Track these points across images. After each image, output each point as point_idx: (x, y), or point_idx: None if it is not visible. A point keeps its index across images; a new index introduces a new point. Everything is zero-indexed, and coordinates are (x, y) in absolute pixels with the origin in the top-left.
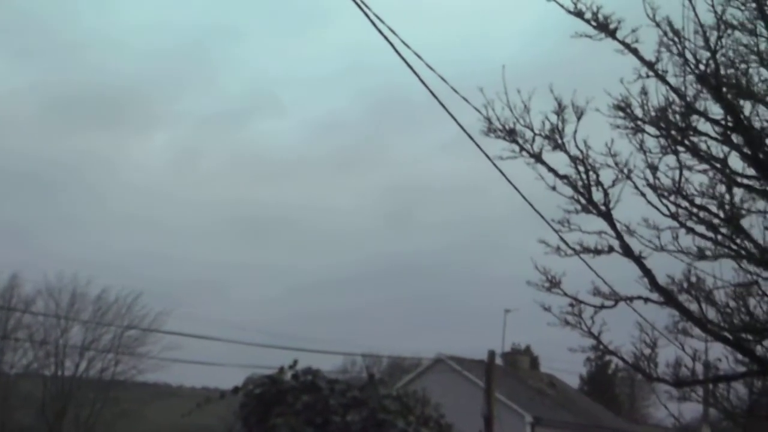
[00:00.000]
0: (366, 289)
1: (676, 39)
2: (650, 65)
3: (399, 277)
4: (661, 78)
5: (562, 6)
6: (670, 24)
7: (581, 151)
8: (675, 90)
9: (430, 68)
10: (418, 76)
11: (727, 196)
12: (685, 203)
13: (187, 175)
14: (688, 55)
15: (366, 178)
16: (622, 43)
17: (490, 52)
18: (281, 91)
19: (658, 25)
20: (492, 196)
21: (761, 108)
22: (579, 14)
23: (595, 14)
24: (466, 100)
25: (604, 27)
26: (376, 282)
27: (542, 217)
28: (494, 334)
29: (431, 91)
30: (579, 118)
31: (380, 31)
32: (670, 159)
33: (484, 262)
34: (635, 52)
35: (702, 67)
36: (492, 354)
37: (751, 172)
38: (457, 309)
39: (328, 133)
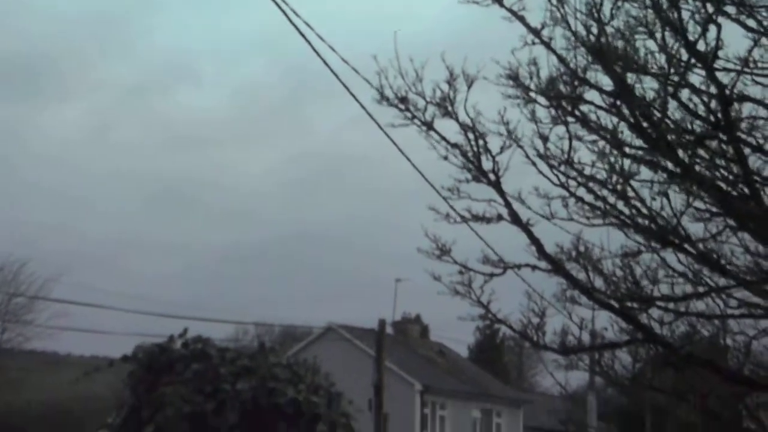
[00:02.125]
0: (265, 260)
1: (563, 9)
2: (536, 32)
3: (298, 248)
4: (548, 45)
5: None
6: None
7: (471, 119)
8: (562, 60)
9: (321, 39)
10: (311, 45)
11: (616, 167)
12: (574, 173)
13: (100, 147)
14: (579, 27)
15: (278, 149)
16: (509, 9)
17: (392, 24)
18: (198, 63)
19: None
20: (397, 169)
21: (647, 79)
22: None
23: None
24: (356, 71)
25: None
26: (275, 252)
27: (429, 183)
28: (387, 304)
29: (325, 62)
30: (469, 87)
31: (275, 2)
32: (561, 129)
33: (384, 232)
34: (522, 19)
35: (592, 38)
36: (382, 323)
37: (639, 142)
38: (352, 279)
39: (243, 105)
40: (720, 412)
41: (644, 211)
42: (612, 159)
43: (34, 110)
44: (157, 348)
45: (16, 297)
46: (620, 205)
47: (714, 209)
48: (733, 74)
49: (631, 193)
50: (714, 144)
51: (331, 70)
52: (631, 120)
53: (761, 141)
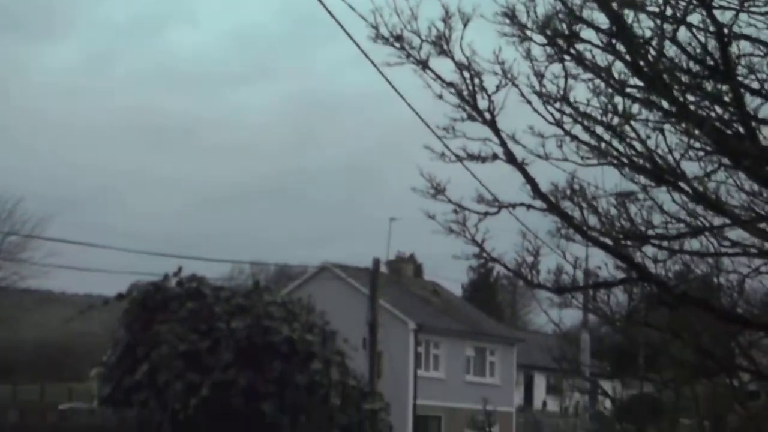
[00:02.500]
0: (260, 199)
1: None
2: None
3: (295, 186)
4: None
5: None
6: None
7: (467, 57)
8: None
9: None
10: None
11: (611, 105)
12: (570, 110)
13: (97, 81)
14: None
15: (276, 88)
16: None
17: None
18: (196, 2)
19: None
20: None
21: (643, 17)
22: None
23: None
24: (351, 8)
25: None
26: (270, 191)
27: (424, 122)
28: (381, 243)
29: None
30: (465, 25)
31: None
32: (556, 67)
33: (380, 172)
34: None
35: None
36: (376, 262)
37: (635, 81)
38: (347, 218)
39: (241, 46)
40: (713, 349)
41: (640, 149)
42: (607, 98)
43: (34, 46)
44: (152, 286)
45: (11, 235)
46: (616, 143)
47: (709, 148)
48: (731, 13)
49: (627, 132)
50: (711, 85)
51: (326, 8)
52: (628, 59)
53: (759, 83)
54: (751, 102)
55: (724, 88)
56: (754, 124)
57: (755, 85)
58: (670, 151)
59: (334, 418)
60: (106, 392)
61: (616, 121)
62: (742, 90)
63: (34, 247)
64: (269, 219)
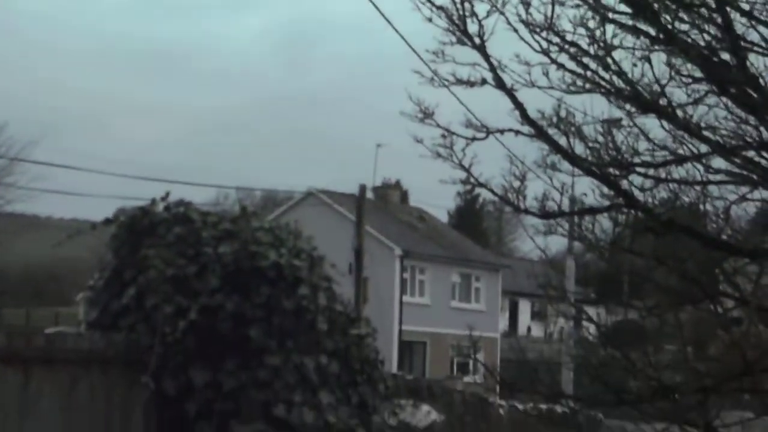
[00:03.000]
0: (248, 124)
1: None
2: None
3: (282, 112)
4: None
5: None
6: None
7: None
8: None
9: None
10: None
11: (599, 32)
12: (556, 39)
13: (86, 5)
14: None
15: (266, 15)
16: None
17: None
18: None
19: None
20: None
21: None
22: None
23: None
24: None
25: None
26: (258, 116)
27: (412, 48)
28: (368, 169)
29: None
30: None
31: None
32: None
33: (368, 99)
34: None
35: None
36: (362, 188)
37: (623, 8)
38: (335, 144)
39: None
40: (697, 276)
41: (626, 77)
42: (595, 25)
43: None
44: (139, 211)
45: None
46: (602, 71)
47: (696, 75)
48: None
49: (612, 61)
50: (701, 10)
51: None
52: None
53: (749, 4)
54: (741, 29)
55: (714, 13)
56: (743, 51)
57: (745, 6)
58: (657, 81)
59: (321, 343)
60: (93, 316)
61: (602, 51)
62: (730, 10)
63: (20, 171)
64: (256, 147)
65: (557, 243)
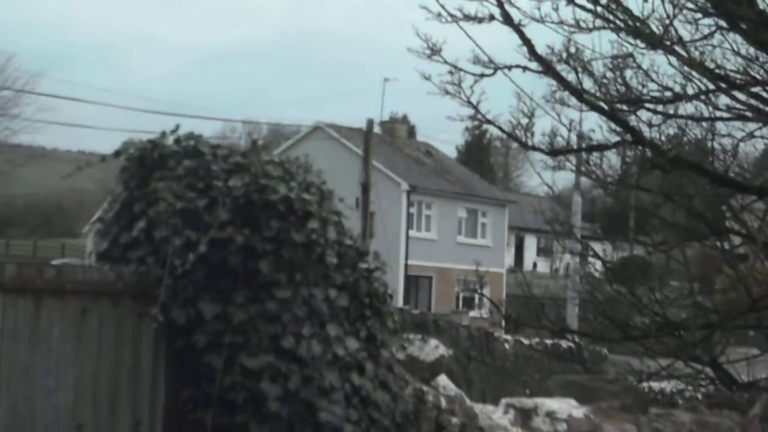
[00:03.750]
0: (258, 62)
1: None
2: None
3: (291, 46)
4: None
5: None
6: None
7: None
8: None
9: None
10: None
11: None
12: None
13: None
14: None
15: None
16: None
17: None
18: None
19: None
20: None
21: None
22: None
23: None
24: None
25: None
26: (269, 54)
27: None
28: (375, 104)
29: None
30: None
31: None
32: None
33: (379, 36)
34: None
35: None
36: (370, 122)
37: None
38: (341, 78)
39: None
40: (704, 213)
41: (635, 13)
42: None
43: None
44: (149, 144)
45: (3, 90)
46: (612, 6)
47: (707, 10)
48: None
49: None
50: None
51: None
52: None
53: None
54: None
55: None
56: None
57: None
58: (667, 16)
59: (330, 277)
60: (103, 247)
61: None
62: None
63: (26, 103)
64: (265, 80)
65: (564, 179)
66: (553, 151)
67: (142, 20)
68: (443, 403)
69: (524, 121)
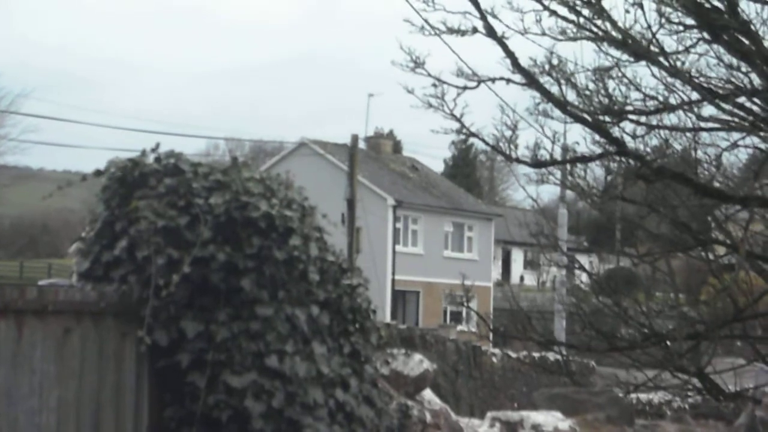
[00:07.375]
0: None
1: None
2: None
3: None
4: None
5: None
6: None
7: None
8: None
9: None
10: None
11: None
12: None
13: None
14: None
15: None
16: None
17: None
18: None
19: None
20: None
21: None
22: None
23: None
24: None
25: None
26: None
27: None
28: (361, 122)
29: None
30: None
31: None
32: None
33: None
34: None
35: None
36: (355, 138)
37: None
38: (326, 96)
39: None
40: (689, 223)
41: (619, 24)
42: None
43: None
44: (130, 162)
45: None
46: (595, 18)
47: (688, 22)
48: None
49: (605, 5)
50: None
51: None
52: None
53: None
54: None
55: None
56: None
57: None
58: (649, 27)
59: (313, 294)
60: (85, 267)
61: None
62: None
63: (12, 124)
64: (253, 100)
65: (549, 192)
66: (537, 164)
67: (151, 44)
68: (428, 417)
69: (508, 133)
